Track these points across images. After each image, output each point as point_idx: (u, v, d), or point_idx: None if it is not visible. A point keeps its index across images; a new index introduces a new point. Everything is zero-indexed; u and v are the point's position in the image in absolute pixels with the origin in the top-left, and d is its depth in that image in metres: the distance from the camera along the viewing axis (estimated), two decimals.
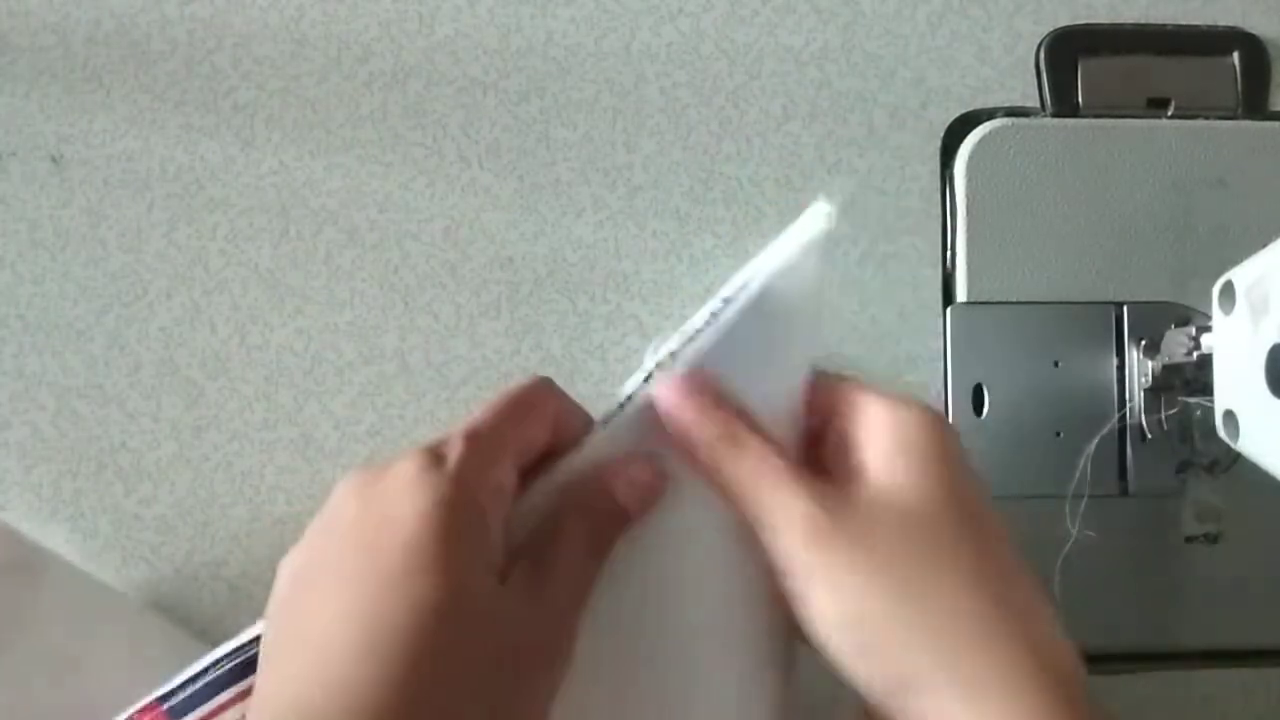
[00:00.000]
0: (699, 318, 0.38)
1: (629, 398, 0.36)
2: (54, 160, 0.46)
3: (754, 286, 0.37)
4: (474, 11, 0.47)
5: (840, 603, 0.30)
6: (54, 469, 0.45)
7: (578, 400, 0.47)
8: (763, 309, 0.37)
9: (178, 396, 0.46)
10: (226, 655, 0.38)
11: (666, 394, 0.34)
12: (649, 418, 0.35)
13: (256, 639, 0.37)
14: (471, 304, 0.46)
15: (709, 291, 0.46)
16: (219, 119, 0.47)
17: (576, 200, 0.47)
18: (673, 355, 0.37)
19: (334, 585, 0.30)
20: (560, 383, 0.46)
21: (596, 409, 0.45)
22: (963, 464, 0.33)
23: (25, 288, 0.46)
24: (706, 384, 0.34)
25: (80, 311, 0.46)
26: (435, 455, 0.31)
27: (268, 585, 0.45)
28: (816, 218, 0.38)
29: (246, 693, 0.37)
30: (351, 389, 0.46)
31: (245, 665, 0.38)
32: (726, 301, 0.35)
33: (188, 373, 0.46)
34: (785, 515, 0.31)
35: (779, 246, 0.38)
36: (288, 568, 0.33)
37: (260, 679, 0.32)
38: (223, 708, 0.37)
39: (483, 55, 0.47)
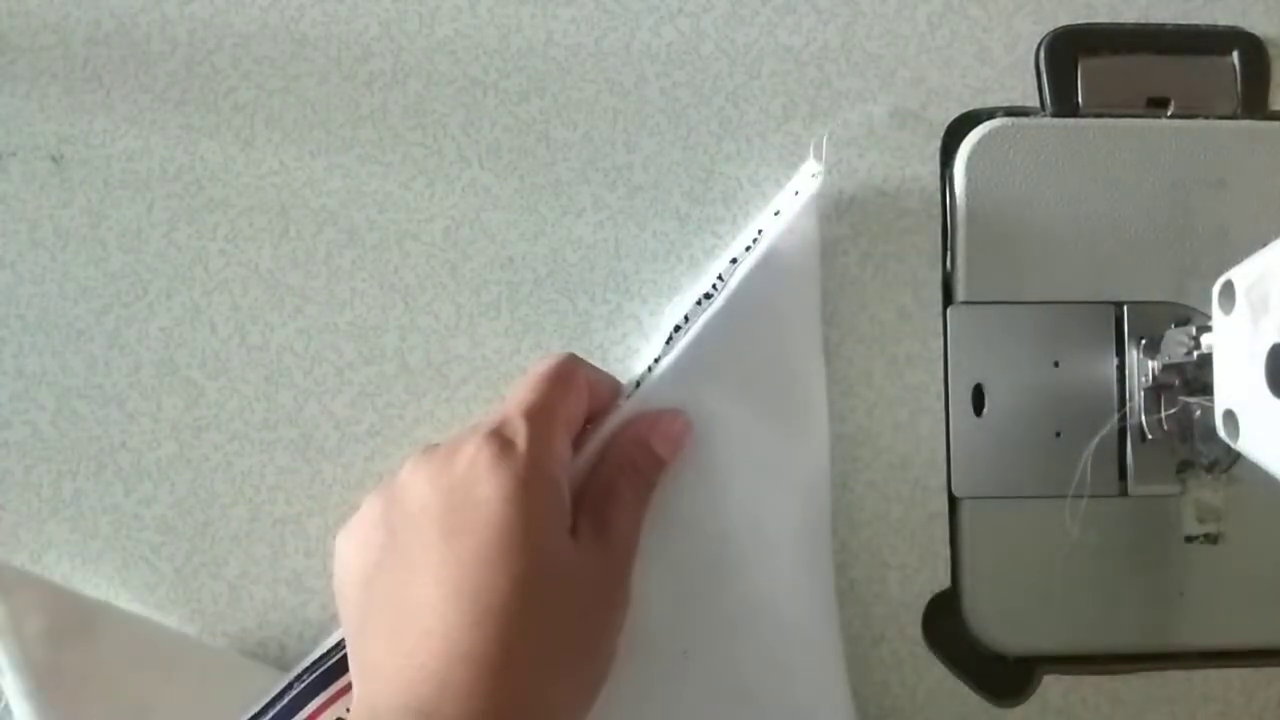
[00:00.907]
0: (707, 280, 0.43)
1: (656, 360, 0.41)
2: (54, 160, 0.46)
3: (759, 248, 0.42)
4: (474, 11, 0.47)
5: None
6: (54, 469, 0.45)
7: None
8: (769, 268, 0.42)
9: (178, 396, 0.46)
10: (306, 669, 0.40)
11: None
12: (673, 378, 0.40)
13: (331, 650, 0.40)
14: (471, 304, 0.46)
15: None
16: (219, 119, 0.47)
17: (576, 200, 0.47)
18: (686, 318, 0.42)
19: (432, 567, 0.34)
20: None
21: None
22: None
23: (25, 288, 0.46)
24: None
25: (80, 311, 0.46)
26: (504, 439, 0.35)
27: (268, 585, 0.45)
28: (807, 176, 0.43)
29: (334, 698, 0.39)
30: (351, 389, 0.46)
31: (327, 673, 0.40)
32: (734, 262, 0.41)
33: (188, 373, 0.46)
34: None
35: (776, 205, 0.44)
36: (358, 548, 0.36)
37: (362, 653, 0.35)
38: (313, 716, 0.39)
39: (483, 55, 0.47)
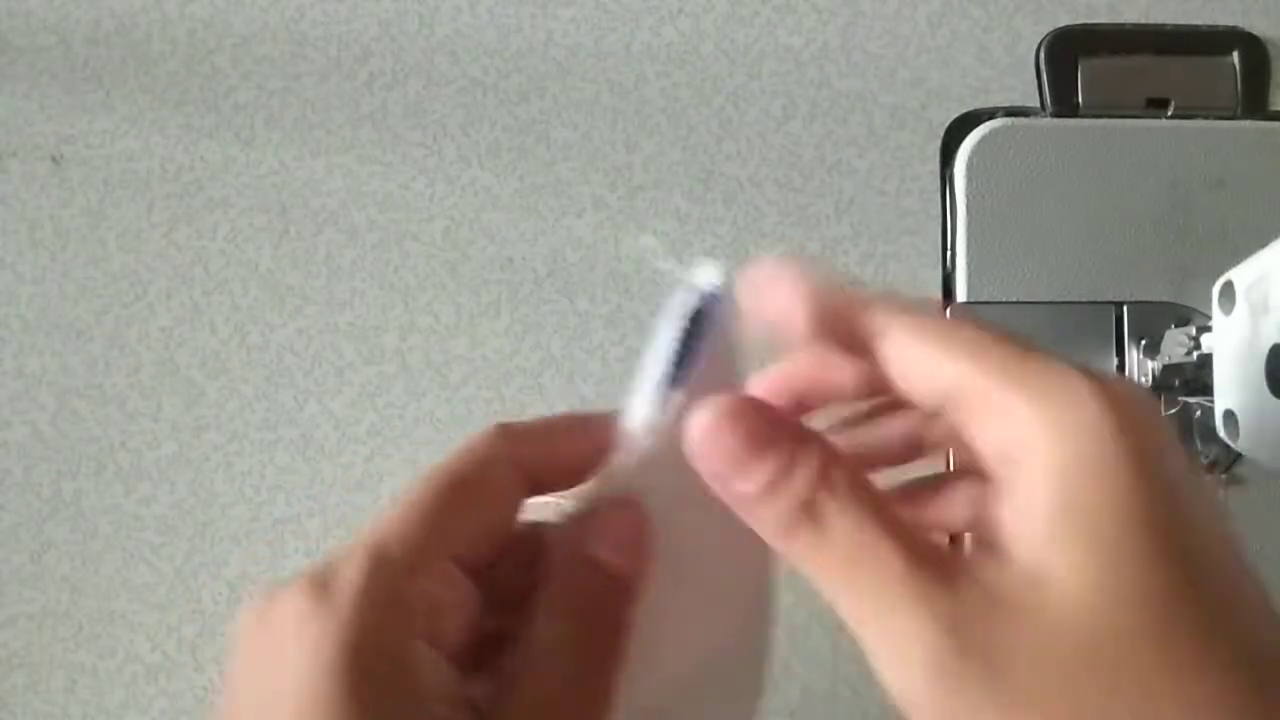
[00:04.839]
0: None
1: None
2: (54, 160, 0.46)
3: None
4: (474, 11, 0.47)
5: None
6: (54, 469, 0.45)
7: (579, 403, 0.47)
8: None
9: (178, 396, 0.46)
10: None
11: (699, 433, 0.23)
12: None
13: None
14: (471, 304, 0.46)
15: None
16: (219, 119, 0.47)
17: (576, 200, 0.47)
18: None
19: None
20: (559, 383, 0.46)
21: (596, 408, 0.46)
22: (1176, 520, 0.20)
23: (25, 288, 0.46)
24: (761, 422, 0.23)
25: (80, 311, 0.46)
26: (323, 583, 0.23)
27: (268, 585, 0.45)
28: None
29: None
30: (351, 389, 0.46)
31: None
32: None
33: (188, 373, 0.46)
34: (896, 643, 0.21)
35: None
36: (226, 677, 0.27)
37: None
38: None
39: (483, 55, 0.47)
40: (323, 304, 0.46)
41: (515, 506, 0.26)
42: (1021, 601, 0.20)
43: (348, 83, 0.47)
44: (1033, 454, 0.21)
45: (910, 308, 0.23)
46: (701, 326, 0.26)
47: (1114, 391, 0.21)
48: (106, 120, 0.47)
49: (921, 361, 0.23)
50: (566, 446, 0.26)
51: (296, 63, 0.47)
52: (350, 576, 0.23)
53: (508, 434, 0.26)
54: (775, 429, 0.23)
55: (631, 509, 0.25)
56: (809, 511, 0.22)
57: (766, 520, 0.22)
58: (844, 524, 0.21)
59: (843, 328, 0.24)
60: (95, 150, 0.46)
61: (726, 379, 0.26)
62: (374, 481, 0.45)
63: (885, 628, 0.21)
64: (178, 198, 0.46)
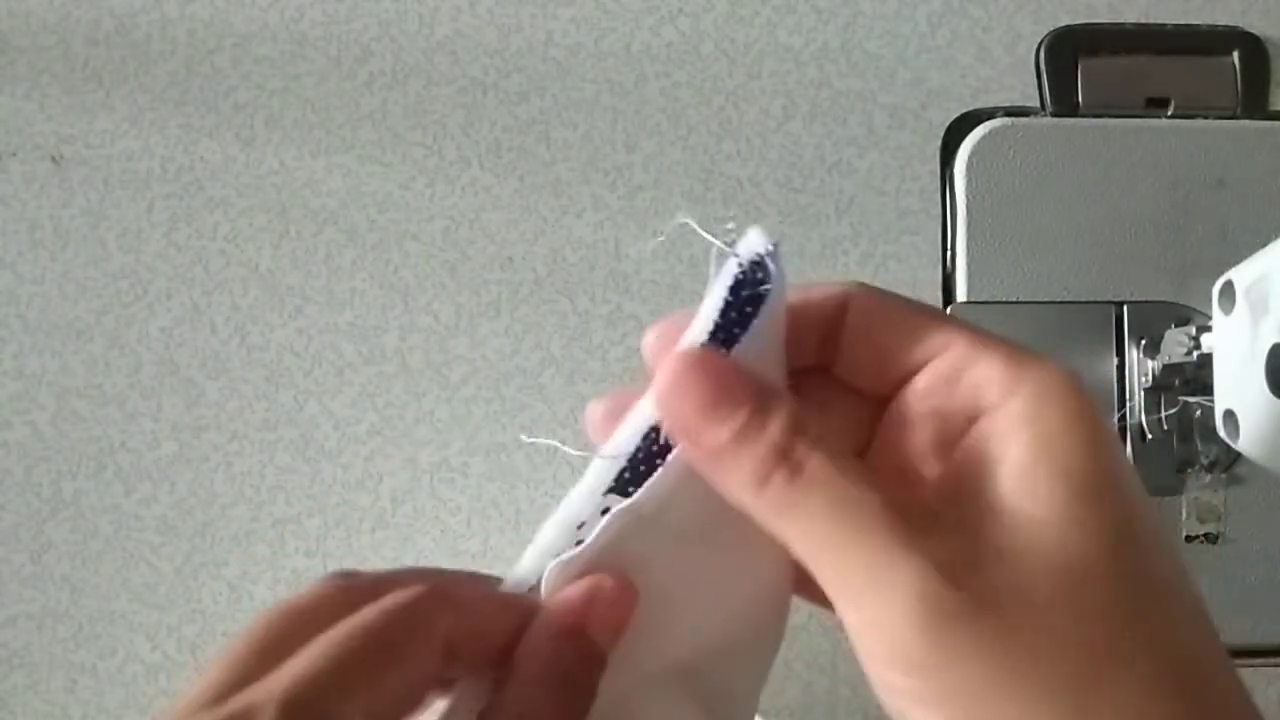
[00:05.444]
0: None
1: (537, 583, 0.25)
2: (54, 160, 0.46)
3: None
4: (474, 11, 0.47)
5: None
6: (54, 469, 0.45)
7: (579, 403, 0.47)
8: None
9: (178, 396, 0.46)
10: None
11: (666, 384, 0.22)
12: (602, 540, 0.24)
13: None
14: (471, 304, 0.46)
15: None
16: (219, 119, 0.47)
17: (576, 200, 0.47)
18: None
19: None
20: (559, 383, 0.46)
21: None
22: (1130, 479, 0.21)
23: (25, 288, 0.46)
24: (730, 370, 0.22)
25: (80, 311, 0.46)
26: None
27: (268, 585, 0.45)
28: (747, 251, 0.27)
29: None
30: (351, 389, 0.46)
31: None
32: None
33: (188, 373, 0.46)
34: (885, 592, 0.20)
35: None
36: None
37: None
38: None
39: (483, 55, 0.47)
40: (323, 304, 0.46)
41: (432, 677, 0.23)
42: (1005, 544, 0.20)
43: (348, 83, 0.47)
44: (1005, 408, 0.21)
45: (875, 289, 0.24)
46: (746, 297, 0.24)
47: (1064, 368, 0.22)
48: (106, 120, 0.47)
49: (901, 333, 0.23)
50: (494, 625, 0.24)
51: (296, 63, 0.47)
52: None
53: (444, 603, 0.23)
54: (745, 377, 0.22)
55: (625, 586, 0.24)
56: (786, 459, 0.21)
57: (739, 472, 0.21)
58: (825, 472, 0.21)
59: (806, 322, 0.24)
60: (95, 150, 0.46)
61: (773, 353, 0.25)
62: (374, 481, 0.45)
63: (872, 578, 0.20)
64: (178, 198, 0.46)
